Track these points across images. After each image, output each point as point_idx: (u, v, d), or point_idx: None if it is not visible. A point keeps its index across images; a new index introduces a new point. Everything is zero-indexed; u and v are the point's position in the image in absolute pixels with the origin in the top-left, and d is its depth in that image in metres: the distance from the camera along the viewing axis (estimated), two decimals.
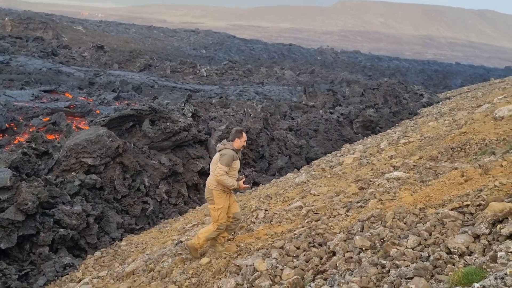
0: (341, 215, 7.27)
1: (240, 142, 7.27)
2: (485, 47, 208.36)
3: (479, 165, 7.38)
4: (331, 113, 22.95)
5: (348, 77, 42.09)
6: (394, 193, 7.39)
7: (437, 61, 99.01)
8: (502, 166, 6.83)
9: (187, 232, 9.84)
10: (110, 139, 12.54)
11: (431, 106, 26.28)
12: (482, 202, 5.22)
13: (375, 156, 12.18)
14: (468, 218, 5.02)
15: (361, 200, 7.69)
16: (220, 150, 7.24)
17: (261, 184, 14.58)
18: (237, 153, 7.26)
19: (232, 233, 7.91)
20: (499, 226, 4.28)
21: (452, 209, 5.34)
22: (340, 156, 14.79)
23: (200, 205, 13.32)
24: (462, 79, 57.10)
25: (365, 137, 19.92)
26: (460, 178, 6.82)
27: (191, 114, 16.58)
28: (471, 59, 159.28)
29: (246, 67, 45.96)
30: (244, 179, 7.42)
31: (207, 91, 31.04)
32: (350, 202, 7.90)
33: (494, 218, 4.49)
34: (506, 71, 76.94)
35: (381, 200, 7.15)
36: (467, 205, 5.33)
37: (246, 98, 29.00)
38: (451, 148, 9.53)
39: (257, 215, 9.07)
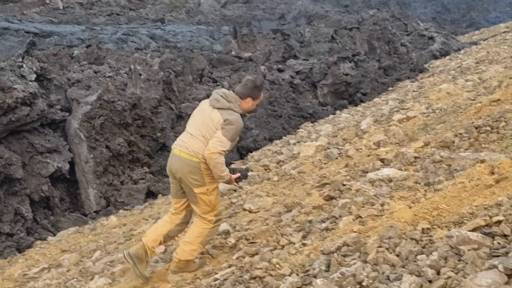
0: (294, 244, 7.32)
1: (251, 105, 7.67)
2: None
3: None
4: (280, 70, 23.08)
5: (310, 9, 42.45)
6: (382, 204, 7.53)
7: None
8: None
9: (31, 282, 9.65)
10: None
11: (447, 57, 27.02)
12: None
13: (353, 142, 12.38)
14: (499, 243, 5.18)
15: (327, 219, 7.77)
16: (222, 108, 7.44)
17: (160, 194, 14.51)
18: None
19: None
20: None
21: (474, 230, 5.50)
22: (294, 144, 14.93)
23: (55, 234, 13.11)
24: (498, 11, 58.87)
25: (337, 111, 20.20)
26: (489, 177, 7.03)
27: (35, 76, 16.19)
28: None
29: None
30: (238, 175, 7.78)
31: (65, 35, 30.39)
32: (310, 221, 7.95)
33: None
34: None
35: (360, 217, 7.26)
36: (499, 222, 5.50)
37: (134, 46, 28.62)
38: (476, 128, 9.80)
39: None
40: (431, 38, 30.79)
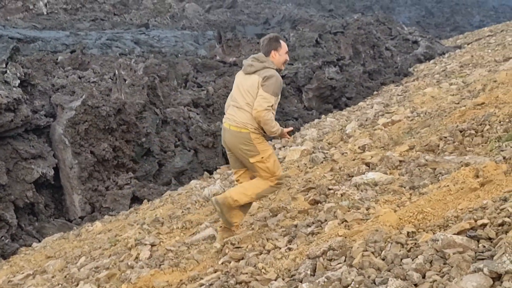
0: (280, 248, 7.32)
1: (280, 56, 7.85)
2: None
3: (504, 157, 7.68)
4: None
5: (294, 14, 42.54)
6: (367, 208, 7.55)
7: None
8: None
9: None
10: None
11: (431, 61, 27.18)
12: (506, 219, 5.43)
13: (338, 146, 12.41)
14: (484, 246, 5.21)
15: (312, 223, 7.79)
16: (257, 70, 7.70)
17: (145, 200, 14.48)
18: None
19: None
20: None
21: (459, 233, 5.52)
22: (280, 148, 14.94)
23: (40, 240, 13.05)
24: (482, 15, 59.30)
25: (322, 115, 20.25)
26: (474, 180, 7.07)
27: (19, 82, 16.14)
28: None
29: None
30: (291, 129, 8.34)
31: (49, 41, 30.34)
32: (295, 226, 7.96)
33: None
34: None
35: (346, 221, 7.26)
36: (484, 226, 5.53)
37: (119, 51, 28.60)
38: (460, 131, 9.86)
39: (138, 254, 9.04)
40: (416, 42, 30.97)
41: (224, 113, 8.12)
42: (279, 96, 7.86)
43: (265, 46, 7.84)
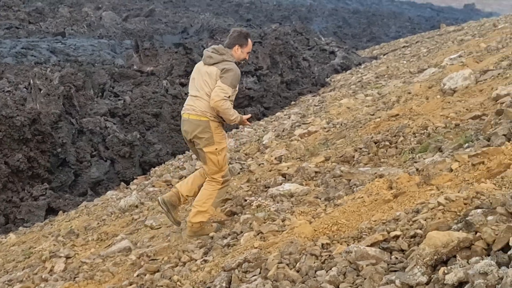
0: (196, 260, 7.33)
1: (241, 53, 8.22)
2: None
3: (417, 169, 7.83)
4: (182, 85, 23.00)
5: (212, 23, 42.58)
6: (283, 220, 7.59)
7: None
8: (452, 170, 7.28)
9: None
10: None
11: (348, 72, 27.48)
12: (418, 231, 5.53)
13: (255, 157, 12.44)
14: (397, 258, 5.29)
15: (228, 235, 7.81)
16: (216, 62, 7.97)
17: (61, 211, 14.27)
18: None
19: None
20: (442, 270, 4.54)
21: (372, 245, 5.60)
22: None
23: None
24: (398, 26, 60.42)
25: (239, 125, 20.28)
26: (387, 192, 7.18)
27: None
28: None
29: (33, 6, 44.54)
30: (250, 116, 8.70)
31: None
32: (211, 238, 8.00)
33: (435, 257, 4.75)
34: (466, 12, 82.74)
35: (261, 233, 7.29)
36: (396, 237, 5.62)
37: (34, 60, 28.10)
38: (375, 143, 10.01)
39: (53, 266, 8.93)
40: (333, 52, 31.27)
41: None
42: (237, 88, 8.20)
43: (233, 39, 8.16)
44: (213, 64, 7.97)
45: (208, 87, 7.94)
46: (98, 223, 10.97)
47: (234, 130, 19.16)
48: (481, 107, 10.48)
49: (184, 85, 23.00)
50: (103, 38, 36.77)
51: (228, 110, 7.86)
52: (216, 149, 8.03)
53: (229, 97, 7.89)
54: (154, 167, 16.82)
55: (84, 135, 18.09)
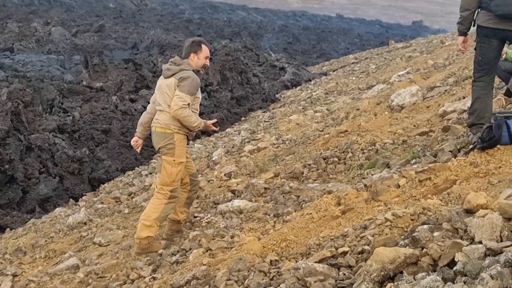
0: (144, 278, 7.28)
1: (198, 60, 8.27)
2: None
3: (365, 185, 7.89)
4: (132, 100, 22.92)
5: (162, 39, 42.48)
6: (232, 236, 7.57)
7: (307, 12, 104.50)
8: (399, 186, 7.35)
9: None
10: None
11: (298, 88, 27.64)
12: (366, 247, 5.55)
13: (204, 173, 12.41)
14: (344, 274, 5.30)
15: (177, 251, 7.77)
16: (174, 73, 8.10)
17: (8, 228, 14.05)
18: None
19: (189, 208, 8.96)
20: (389, 286, 4.56)
21: (320, 261, 5.60)
22: (147, 175, 14.83)
23: None
24: (347, 43, 61.04)
25: (190, 141, 20.25)
26: (336, 208, 7.21)
27: None
28: (361, 9, 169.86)
29: None
30: (215, 121, 8.83)
31: None
32: (160, 255, 7.96)
33: (382, 273, 4.78)
34: (414, 29, 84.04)
35: (210, 249, 7.27)
36: (344, 253, 5.63)
37: None
38: (324, 159, 10.07)
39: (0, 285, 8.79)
40: (283, 68, 31.44)
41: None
42: (198, 96, 8.38)
43: (186, 48, 8.29)
44: (171, 76, 8.11)
45: (168, 98, 8.09)
46: (46, 241, 10.81)
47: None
48: (428, 124, 10.63)
49: (134, 101, 22.92)
50: (52, 54, 36.46)
51: (188, 117, 7.98)
52: (174, 160, 8.14)
53: (188, 104, 7.98)
54: (103, 184, 16.68)
55: (32, 152, 17.87)
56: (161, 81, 8.37)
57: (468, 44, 8.50)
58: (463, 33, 8.24)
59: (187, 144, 8.61)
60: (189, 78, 8.00)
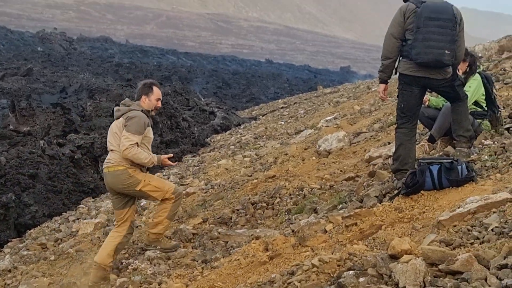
0: None
1: (150, 102, 8.48)
2: (310, 36, 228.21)
3: (293, 230, 7.94)
4: (60, 145, 22.68)
5: (92, 83, 42.22)
6: (160, 283, 7.55)
7: (237, 57, 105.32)
8: (326, 231, 7.43)
9: None
10: None
11: (228, 132, 27.72)
12: None
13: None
14: None
15: None
16: (123, 113, 8.31)
17: None
18: (147, 117, 8.44)
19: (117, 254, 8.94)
20: None
21: None
22: (74, 221, 14.65)
23: None
24: (277, 87, 61.55)
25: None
26: (263, 253, 7.24)
27: None
28: (289, 54, 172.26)
29: None
30: (171, 155, 9.03)
31: None
32: None
33: None
34: (342, 74, 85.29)
35: None
36: None
37: None
38: (252, 204, 10.11)
39: None
40: (212, 113, 31.54)
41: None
42: (151, 136, 8.65)
43: (138, 91, 8.58)
44: (121, 116, 8.32)
45: (118, 139, 8.30)
46: None
47: None
48: (355, 169, 10.80)
49: (62, 145, 22.67)
50: None
51: (137, 155, 8.14)
52: (144, 181, 8.40)
53: (137, 144, 8.14)
54: (29, 229, 16.37)
55: None
56: (113, 123, 8.56)
57: (388, 91, 8.73)
58: (384, 81, 8.49)
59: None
60: (135, 118, 8.17)
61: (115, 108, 8.57)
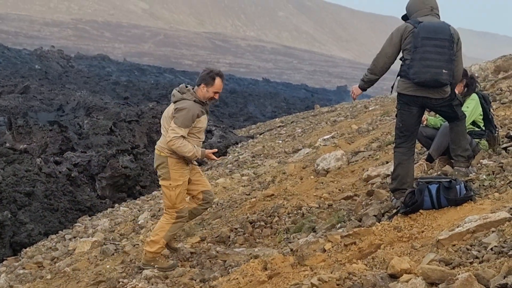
0: None
1: (207, 92, 8.47)
2: (307, 56, 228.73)
3: (291, 249, 7.93)
4: (57, 163, 22.67)
5: (89, 101, 42.25)
6: None
7: (234, 76, 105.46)
8: (325, 251, 7.42)
9: None
10: None
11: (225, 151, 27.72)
12: None
13: (130, 238, 12.28)
14: None
15: None
16: (176, 100, 8.46)
17: None
18: (202, 105, 8.48)
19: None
20: None
21: None
22: (70, 239, 14.60)
23: None
24: (274, 106, 61.62)
25: (116, 205, 20.03)
26: (262, 273, 7.21)
27: None
28: (287, 73, 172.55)
29: None
30: (215, 150, 8.89)
31: None
32: None
33: None
34: (339, 93, 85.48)
35: None
36: None
37: None
38: (250, 223, 10.10)
39: None
40: (210, 131, 31.49)
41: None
42: (202, 125, 8.64)
43: (200, 77, 8.54)
44: (174, 102, 8.48)
45: (167, 124, 8.50)
46: None
47: (109, 209, 18.91)
48: (353, 188, 10.81)
49: (59, 163, 22.67)
50: None
51: (180, 148, 8.24)
52: (170, 184, 8.49)
53: (181, 136, 8.23)
54: (25, 248, 16.32)
55: None
56: (168, 107, 8.76)
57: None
58: (363, 89, 8.59)
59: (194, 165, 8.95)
60: (184, 110, 8.27)
61: (173, 92, 8.65)
